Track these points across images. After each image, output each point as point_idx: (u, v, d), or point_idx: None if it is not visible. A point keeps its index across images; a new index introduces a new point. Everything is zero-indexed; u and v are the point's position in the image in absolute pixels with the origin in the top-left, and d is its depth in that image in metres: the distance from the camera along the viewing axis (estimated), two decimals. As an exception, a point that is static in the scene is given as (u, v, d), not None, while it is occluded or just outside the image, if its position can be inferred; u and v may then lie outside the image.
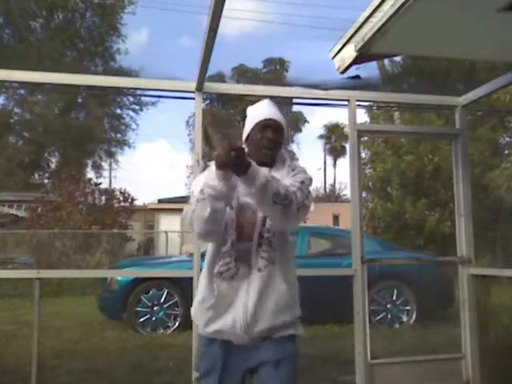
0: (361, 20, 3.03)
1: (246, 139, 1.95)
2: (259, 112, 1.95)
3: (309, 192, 1.86)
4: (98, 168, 25.27)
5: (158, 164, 53.26)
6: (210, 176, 1.74)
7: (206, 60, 2.89)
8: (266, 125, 1.89)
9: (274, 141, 1.89)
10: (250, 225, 1.83)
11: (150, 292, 6.18)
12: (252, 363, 1.82)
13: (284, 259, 1.89)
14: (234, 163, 1.64)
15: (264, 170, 1.71)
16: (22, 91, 20.37)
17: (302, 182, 1.84)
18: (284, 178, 1.83)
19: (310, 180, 1.90)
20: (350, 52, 3.03)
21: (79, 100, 22.74)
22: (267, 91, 3.87)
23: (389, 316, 6.38)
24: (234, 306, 1.79)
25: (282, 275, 1.85)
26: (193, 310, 1.95)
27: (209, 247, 1.92)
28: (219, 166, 1.69)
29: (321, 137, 39.51)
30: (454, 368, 3.64)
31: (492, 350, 3.70)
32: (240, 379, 1.84)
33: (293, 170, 1.90)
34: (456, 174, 3.83)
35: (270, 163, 1.89)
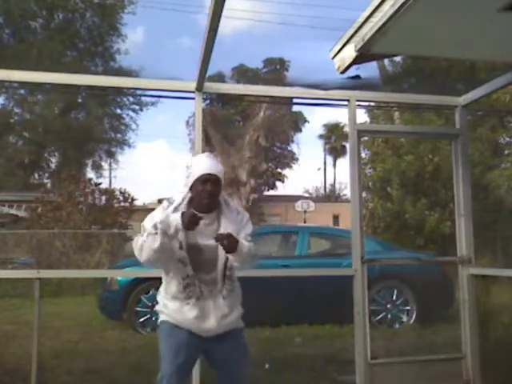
0: (361, 20, 3.02)
1: (190, 188, 2.35)
2: (201, 166, 2.33)
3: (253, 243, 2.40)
4: (97, 168, 25.28)
5: (157, 164, 53.29)
6: (166, 219, 2.26)
7: (206, 60, 2.90)
8: (206, 179, 2.30)
9: (213, 193, 2.31)
10: (210, 261, 2.34)
11: (150, 292, 6.17)
12: (205, 347, 2.42)
13: (236, 287, 2.45)
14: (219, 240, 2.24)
15: (246, 244, 2.30)
16: (22, 91, 20.35)
17: (251, 235, 2.40)
18: (236, 224, 2.37)
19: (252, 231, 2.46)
20: (349, 52, 3.03)
21: (79, 100, 22.73)
22: (267, 91, 3.88)
23: (389, 316, 6.38)
24: (208, 318, 2.35)
25: (237, 298, 2.46)
26: (162, 307, 2.59)
27: (170, 279, 2.42)
28: (187, 228, 2.25)
29: (321, 137, 39.54)
30: (454, 368, 3.65)
31: (492, 350, 3.69)
32: (194, 360, 2.53)
33: (238, 213, 2.42)
34: (456, 174, 3.83)
35: (210, 209, 2.34)
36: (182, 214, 2.25)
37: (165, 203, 2.41)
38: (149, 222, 2.30)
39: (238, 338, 2.47)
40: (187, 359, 2.43)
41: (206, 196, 2.30)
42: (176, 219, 2.26)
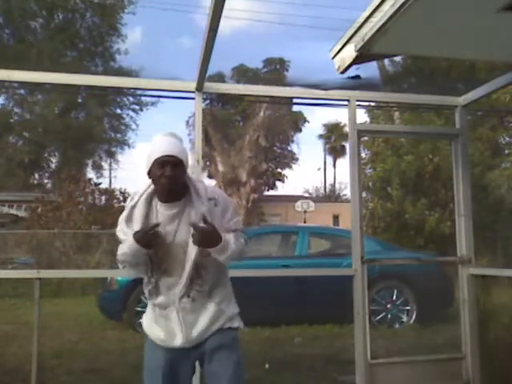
0: (361, 20, 3.02)
1: (148, 173, 2.02)
2: (158, 148, 1.99)
3: (242, 232, 2.11)
4: (98, 168, 25.28)
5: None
6: (125, 245, 2.00)
7: (206, 60, 2.89)
8: (164, 161, 1.95)
9: (174, 177, 1.96)
10: (176, 262, 2.01)
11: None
12: (196, 356, 2.09)
13: (216, 284, 2.09)
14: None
15: (230, 241, 1.97)
16: (22, 91, 20.36)
17: (241, 231, 2.09)
18: (216, 219, 2.00)
19: (240, 221, 2.13)
20: (349, 52, 3.03)
21: (79, 100, 22.74)
22: (267, 91, 3.88)
23: (389, 316, 6.38)
24: (174, 332, 2.04)
25: (212, 297, 2.07)
26: (145, 323, 2.17)
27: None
28: (143, 246, 1.95)
29: (321, 136, 39.54)
30: (453, 368, 3.65)
31: (492, 350, 3.69)
32: (188, 373, 2.10)
33: (216, 205, 2.03)
34: (456, 174, 3.83)
35: (174, 197, 2.01)
36: (135, 233, 1.94)
37: (128, 202, 2.10)
38: (119, 234, 2.06)
39: (228, 347, 2.07)
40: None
41: (165, 182, 1.96)
42: (133, 231, 1.98)
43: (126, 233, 2.02)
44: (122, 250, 2.01)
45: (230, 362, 2.04)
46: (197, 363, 2.16)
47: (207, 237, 1.92)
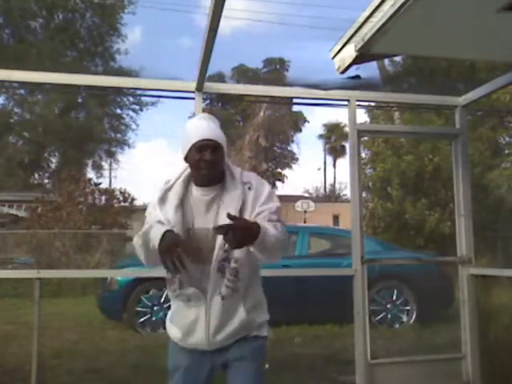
0: (361, 20, 3.02)
1: (185, 158, 1.94)
2: (195, 131, 1.91)
3: (282, 223, 1.90)
4: (98, 168, 25.29)
5: (156, 164, 53.26)
6: (148, 229, 1.85)
7: (206, 60, 2.89)
8: (203, 146, 1.87)
9: (213, 161, 1.88)
10: (199, 250, 1.86)
11: (150, 292, 6.18)
12: (218, 361, 1.95)
13: (250, 285, 1.95)
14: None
15: (271, 231, 1.78)
16: (22, 91, 20.37)
17: (277, 221, 1.87)
18: (249, 203, 1.87)
19: (279, 207, 1.94)
20: (349, 52, 3.03)
21: (79, 100, 22.75)
22: (267, 91, 3.87)
23: (389, 316, 6.38)
24: (196, 330, 1.90)
25: (244, 302, 1.92)
26: (167, 322, 2.05)
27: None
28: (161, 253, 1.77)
29: (321, 136, 39.55)
30: (454, 368, 3.64)
31: (492, 350, 3.69)
32: (205, 377, 1.95)
33: (250, 189, 1.91)
34: (456, 174, 3.83)
35: (211, 182, 1.92)
36: (163, 236, 1.76)
37: (163, 185, 1.99)
38: (147, 218, 1.97)
39: (252, 358, 1.94)
40: None
41: (204, 166, 1.88)
42: (167, 212, 1.89)
43: (156, 215, 1.91)
44: (139, 241, 1.88)
45: (251, 375, 1.93)
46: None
47: (242, 233, 1.68)
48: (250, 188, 1.92)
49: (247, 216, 1.85)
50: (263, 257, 1.85)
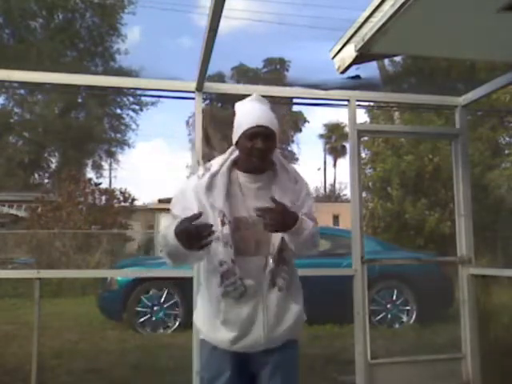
0: (361, 20, 3.03)
1: (236, 144, 1.85)
2: (248, 117, 1.81)
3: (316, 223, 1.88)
4: (98, 168, 25.28)
5: (155, 163, 53.27)
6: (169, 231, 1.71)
7: (206, 60, 2.89)
8: (255, 133, 1.77)
9: (265, 149, 1.79)
10: (260, 240, 1.79)
11: (150, 292, 6.18)
12: (261, 363, 1.83)
13: (294, 276, 1.90)
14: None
15: (308, 223, 1.75)
16: (22, 91, 20.36)
17: (311, 218, 1.83)
18: (292, 195, 1.82)
19: (313, 206, 1.91)
20: (349, 52, 3.03)
21: (79, 100, 22.74)
22: (267, 91, 3.87)
23: (389, 316, 6.38)
24: (252, 326, 1.77)
25: (296, 295, 1.87)
26: (198, 318, 1.91)
27: (203, 262, 1.88)
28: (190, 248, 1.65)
29: (321, 136, 39.56)
30: (454, 368, 3.64)
31: (492, 350, 3.70)
32: (248, 382, 1.84)
33: (296, 182, 1.87)
34: (456, 174, 3.83)
35: (261, 170, 1.85)
36: (180, 227, 1.64)
37: (200, 171, 1.87)
38: (171, 213, 1.84)
39: (292, 366, 1.86)
40: None
41: (255, 154, 1.77)
42: (214, 200, 1.77)
43: (186, 197, 1.79)
44: (162, 239, 1.76)
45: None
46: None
47: (281, 217, 1.66)
48: (296, 181, 1.88)
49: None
50: (294, 247, 1.80)
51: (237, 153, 1.87)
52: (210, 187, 1.80)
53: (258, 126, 1.77)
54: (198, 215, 1.64)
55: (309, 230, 1.77)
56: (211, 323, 1.83)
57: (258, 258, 1.78)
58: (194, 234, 1.61)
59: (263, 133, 1.77)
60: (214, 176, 1.81)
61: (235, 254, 1.74)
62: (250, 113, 1.82)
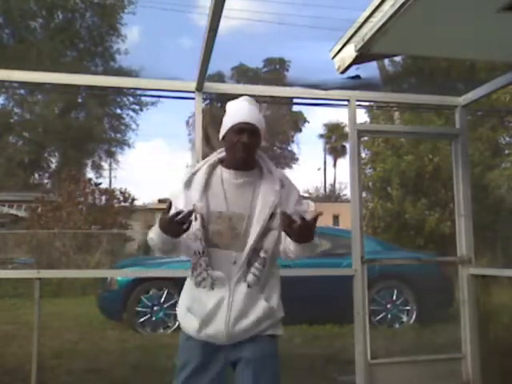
0: (361, 20, 3.02)
1: (223, 138, 1.95)
2: (236, 114, 1.92)
3: None
4: (97, 168, 25.27)
5: (156, 164, 53.24)
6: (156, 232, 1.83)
7: (206, 60, 2.89)
8: (241, 128, 1.88)
9: (250, 145, 1.88)
10: (232, 235, 1.85)
11: (150, 292, 6.18)
12: (231, 358, 1.87)
13: (271, 275, 1.93)
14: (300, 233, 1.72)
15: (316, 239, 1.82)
16: (22, 91, 20.36)
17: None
18: (276, 198, 1.87)
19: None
20: (349, 52, 3.04)
21: (79, 100, 22.73)
22: (267, 91, 3.87)
23: (389, 316, 6.38)
24: (216, 318, 1.83)
25: (266, 292, 1.89)
26: (180, 314, 1.97)
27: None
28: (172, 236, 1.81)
29: (321, 136, 39.56)
30: (454, 368, 3.65)
31: (492, 350, 3.70)
32: (217, 374, 1.86)
33: (283, 186, 1.91)
34: (456, 174, 3.83)
35: (246, 166, 1.93)
36: (160, 219, 1.78)
37: (187, 169, 1.99)
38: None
39: (267, 360, 1.85)
40: None
41: (241, 148, 1.87)
42: (191, 196, 1.86)
43: (177, 197, 1.90)
44: (150, 236, 1.89)
45: (265, 378, 1.85)
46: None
47: (307, 232, 1.73)
48: (283, 186, 1.93)
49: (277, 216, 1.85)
50: (299, 253, 1.90)
51: (222, 154, 1.99)
52: (188, 184, 1.91)
53: (245, 123, 1.89)
54: (179, 212, 1.74)
55: (317, 240, 1.85)
56: (183, 311, 1.93)
57: (230, 252, 1.84)
58: (172, 222, 1.74)
59: (249, 129, 1.88)
60: (194, 174, 1.93)
61: (209, 247, 1.84)
62: (239, 110, 1.93)
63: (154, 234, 1.85)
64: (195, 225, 1.82)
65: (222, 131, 1.94)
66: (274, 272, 1.96)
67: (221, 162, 1.97)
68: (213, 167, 1.95)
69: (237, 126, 1.88)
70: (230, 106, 1.98)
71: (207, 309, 1.82)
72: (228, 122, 1.92)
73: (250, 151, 1.90)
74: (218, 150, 2.00)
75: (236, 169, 1.92)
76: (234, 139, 1.89)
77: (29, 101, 22.43)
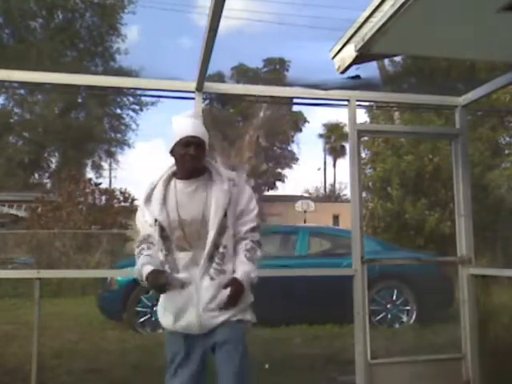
0: (361, 20, 3.02)
1: (171, 151, 2.16)
2: (182, 128, 2.13)
3: (259, 227, 2.21)
4: (97, 168, 25.29)
5: (156, 164, 53.11)
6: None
7: (206, 60, 2.89)
8: (188, 142, 2.10)
9: (197, 156, 2.11)
10: (191, 238, 2.11)
11: (150, 292, 6.17)
12: (208, 344, 2.13)
13: (230, 270, 2.15)
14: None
15: (247, 274, 2.11)
16: (22, 91, 20.36)
17: (255, 228, 2.17)
18: (227, 197, 2.11)
19: (257, 212, 2.21)
20: (349, 52, 3.03)
21: (79, 100, 22.74)
22: (267, 91, 3.87)
23: (389, 316, 6.38)
24: (187, 312, 2.09)
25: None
26: (159, 313, 2.25)
27: None
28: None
29: (321, 136, 39.54)
30: (454, 368, 3.64)
31: (492, 350, 3.69)
32: (199, 360, 2.14)
33: (234, 185, 2.15)
34: (456, 174, 3.83)
35: (195, 174, 2.14)
36: (148, 275, 2.05)
37: (147, 186, 2.19)
38: (138, 218, 2.22)
39: (234, 342, 2.11)
40: (185, 374, 2.14)
41: (189, 159, 2.11)
42: (153, 211, 2.12)
43: (144, 215, 2.15)
44: (137, 272, 2.16)
45: (236, 358, 2.09)
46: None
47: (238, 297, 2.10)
48: (234, 185, 2.16)
49: (231, 213, 2.10)
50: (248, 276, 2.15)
51: (174, 168, 2.20)
52: (148, 200, 2.16)
53: (191, 137, 2.11)
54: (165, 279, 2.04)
55: (252, 267, 2.13)
56: (161, 310, 2.22)
57: (193, 253, 2.10)
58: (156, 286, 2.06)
59: (196, 142, 2.11)
60: (152, 190, 2.16)
61: (176, 251, 2.11)
62: (185, 125, 2.15)
63: (140, 277, 2.13)
64: (155, 236, 2.11)
65: (170, 145, 2.15)
66: (230, 268, 2.16)
67: (174, 174, 2.19)
68: (168, 181, 2.17)
69: (184, 140, 2.10)
70: (176, 121, 2.18)
71: (179, 305, 2.09)
72: (176, 135, 2.13)
73: (197, 161, 2.13)
74: (170, 165, 2.21)
75: (187, 178, 2.15)
76: (181, 152, 2.11)
77: (29, 101, 22.45)
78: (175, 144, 2.13)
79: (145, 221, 2.15)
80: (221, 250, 2.09)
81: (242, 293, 2.09)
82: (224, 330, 2.10)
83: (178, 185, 2.16)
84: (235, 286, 2.07)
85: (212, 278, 2.07)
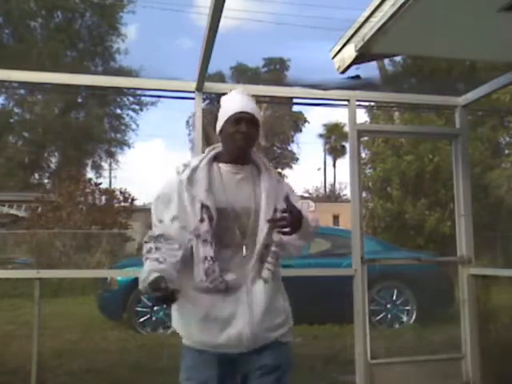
0: (361, 20, 3.02)
1: (220, 132, 1.87)
2: (232, 104, 1.84)
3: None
4: (97, 168, 25.27)
5: (156, 164, 53.21)
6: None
7: (206, 60, 2.89)
8: (239, 118, 1.80)
9: (248, 134, 1.80)
10: (241, 232, 1.76)
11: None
12: (252, 367, 1.76)
13: (279, 273, 1.87)
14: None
15: (310, 222, 1.81)
16: (22, 91, 20.34)
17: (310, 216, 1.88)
18: (277, 193, 1.83)
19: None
20: (350, 52, 3.03)
21: (79, 100, 22.73)
22: (267, 91, 3.87)
23: (389, 316, 6.38)
24: (236, 321, 1.70)
25: (282, 289, 1.87)
26: (178, 322, 1.82)
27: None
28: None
29: (321, 136, 39.54)
30: (454, 368, 3.64)
31: (492, 350, 3.69)
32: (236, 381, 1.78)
33: (279, 182, 1.89)
34: (456, 173, 3.83)
35: (246, 158, 1.86)
36: (153, 288, 1.65)
37: (180, 168, 1.82)
38: (150, 236, 1.78)
39: (283, 369, 1.77)
40: None
41: (239, 138, 1.79)
42: (198, 194, 1.73)
43: (170, 200, 1.77)
44: (141, 282, 1.76)
45: None
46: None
47: (297, 220, 1.72)
48: (279, 181, 1.90)
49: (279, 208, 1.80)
50: (301, 243, 1.86)
51: (215, 150, 1.88)
52: (191, 181, 1.77)
53: (243, 112, 1.80)
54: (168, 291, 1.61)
55: (311, 226, 1.82)
56: (193, 324, 1.75)
57: (243, 250, 1.75)
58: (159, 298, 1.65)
59: (248, 118, 1.80)
60: (194, 170, 1.80)
61: (220, 247, 1.72)
62: (235, 101, 1.86)
63: (144, 289, 1.74)
64: (203, 226, 1.71)
65: (219, 124, 1.86)
66: (279, 267, 1.87)
67: (215, 158, 1.86)
68: (211, 163, 1.84)
69: (234, 117, 1.80)
70: (226, 97, 1.90)
71: (226, 314, 1.69)
72: (225, 113, 1.84)
73: (249, 141, 1.83)
74: (209, 148, 1.92)
75: (234, 162, 1.83)
76: (232, 130, 1.80)
77: (29, 101, 22.45)
78: (224, 122, 1.82)
79: (159, 220, 1.79)
80: (273, 248, 1.76)
81: (301, 222, 1.72)
82: (276, 352, 1.76)
83: (223, 168, 1.82)
84: (295, 210, 1.72)
85: (266, 281, 1.73)
